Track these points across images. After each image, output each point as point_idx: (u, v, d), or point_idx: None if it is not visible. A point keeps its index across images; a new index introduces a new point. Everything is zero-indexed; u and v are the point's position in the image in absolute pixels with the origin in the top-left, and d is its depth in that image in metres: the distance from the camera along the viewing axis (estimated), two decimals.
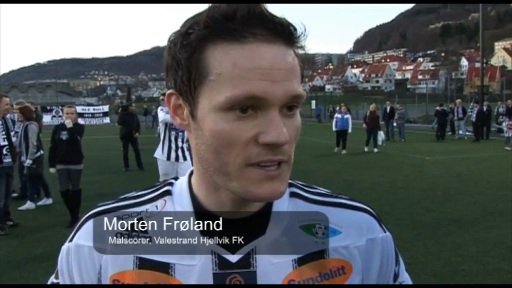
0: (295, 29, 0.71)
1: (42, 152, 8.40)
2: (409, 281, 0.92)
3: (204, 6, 0.71)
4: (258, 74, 0.66)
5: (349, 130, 16.90)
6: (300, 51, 0.74)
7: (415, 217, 7.47)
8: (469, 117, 23.55)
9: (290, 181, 0.84)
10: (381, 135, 17.90)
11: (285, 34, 0.70)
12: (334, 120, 17.44)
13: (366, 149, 17.37)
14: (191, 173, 0.84)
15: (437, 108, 23.71)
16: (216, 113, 0.68)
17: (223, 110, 0.67)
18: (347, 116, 17.09)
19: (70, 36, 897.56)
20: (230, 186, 0.71)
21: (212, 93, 0.68)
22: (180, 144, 7.00)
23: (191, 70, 0.70)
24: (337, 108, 19.14)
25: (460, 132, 23.03)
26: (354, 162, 14.47)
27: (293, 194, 0.84)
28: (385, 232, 0.87)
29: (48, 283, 0.86)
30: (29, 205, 8.28)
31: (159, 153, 7.03)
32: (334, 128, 17.19)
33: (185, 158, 6.99)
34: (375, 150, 16.98)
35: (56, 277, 0.84)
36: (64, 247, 0.83)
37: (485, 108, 22.93)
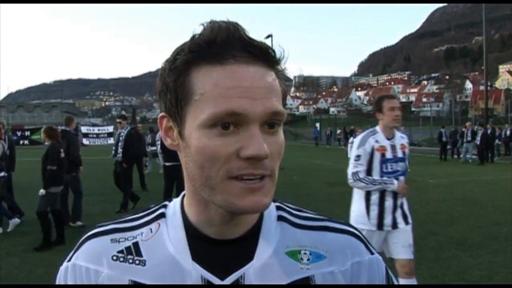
0: (274, 52, 0.75)
1: (3, 173, 8.14)
2: None
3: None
4: (238, 92, 0.70)
5: None
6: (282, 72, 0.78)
7: (418, 240, 7.38)
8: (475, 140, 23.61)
9: (279, 204, 0.89)
10: None
11: (264, 56, 0.74)
12: (350, 145, 15.41)
13: None
14: (184, 193, 0.86)
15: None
16: (201, 130, 0.72)
17: (206, 127, 0.71)
18: None
19: (76, 57, 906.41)
20: (215, 200, 0.74)
21: (196, 112, 0.72)
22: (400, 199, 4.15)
23: (178, 92, 0.74)
24: (348, 132, 18.25)
25: (467, 155, 23.03)
26: None
27: (280, 218, 0.86)
28: (372, 254, 0.88)
29: None
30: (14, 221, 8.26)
31: (360, 217, 4.16)
32: (349, 155, 15.51)
33: (406, 222, 4.16)
34: None
35: None
36: (63, 267, 0.85)
37: (489, 131, 22.99)
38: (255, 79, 0.72)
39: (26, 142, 36.99)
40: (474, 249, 6.89)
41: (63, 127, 9.18)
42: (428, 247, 6.99)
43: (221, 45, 0.72)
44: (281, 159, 0.77)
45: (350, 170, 4.16)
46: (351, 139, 16.35)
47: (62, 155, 7.49)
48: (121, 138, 10.39)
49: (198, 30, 0.75)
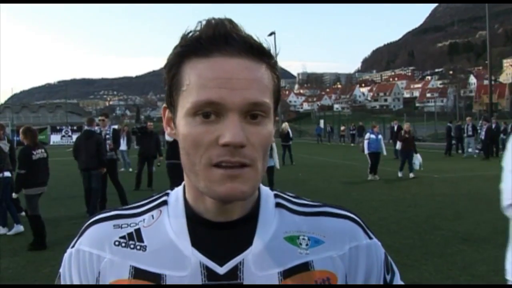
0: (261, 46, 0.78)
1: (1, 174, 8.03)
2: None
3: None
4: (218, 83, 0.74)
5: (384, 153, 15.15)
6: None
7: (423, 235, 7.42)
8: (478, 135, 23.53)
9: (277, 192, 0.91)
10: (418, 158, 15.22)
11: (248, 49, 0.76)
12: (366, 141, 15.02)
13: (400, 174, 15.29)
14: None
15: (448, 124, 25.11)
16: (186, 118, 0.77)
17: (190, 116, 0.76)
18: (380, 137, 15.17)
19: (80, 57, 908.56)
20: (199, 186, 0.77)
21: (184, 101, 0.77)
22: None
23: (171, 84, 0.80)
24: (366, 128, 17.77)
25: (470, 150, 23.03)
26: (363, 180, 14.46)
27: (278, 205, 0.88)
28: (370, 238, 0.89)
29: None
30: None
31: None
32: (366, 151, 14.83)
33: None
34: (411, 175, 14.86)
35: (58, 282, 0.88)
36: (66, 254, 0.87)
37: (494, 126, 22.90)
38: (236, 71, 0.75)
39: None
40: (480, 243, 6.88)
41: (87, 127, 9.47)
42: (433, 242, 6.99)
43: (206, 40, 0.76)
44: (267, 151, 0.79)
45: (505, 186, 2.32)
46: (367, 135, 15.47)
47: (37, 156, 7.22)
48: (108, 137, 10.36)
49: (194, 26, 0.79)
